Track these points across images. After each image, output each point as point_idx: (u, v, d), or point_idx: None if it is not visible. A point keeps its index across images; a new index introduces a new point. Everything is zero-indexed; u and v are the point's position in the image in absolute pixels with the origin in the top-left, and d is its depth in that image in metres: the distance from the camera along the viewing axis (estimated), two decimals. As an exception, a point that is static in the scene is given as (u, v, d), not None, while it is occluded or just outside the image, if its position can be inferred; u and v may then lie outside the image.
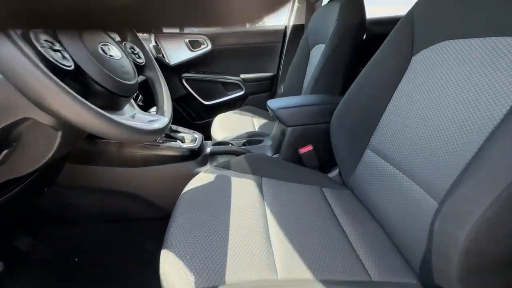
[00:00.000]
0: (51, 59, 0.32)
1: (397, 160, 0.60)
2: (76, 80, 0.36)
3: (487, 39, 0.47)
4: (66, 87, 0.29)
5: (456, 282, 0.37)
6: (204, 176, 0.67)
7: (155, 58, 1.40)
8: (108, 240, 0.84)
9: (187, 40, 1.49)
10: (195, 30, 1.53)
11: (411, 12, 0.65)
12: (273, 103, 0.84)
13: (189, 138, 0.89)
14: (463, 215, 0.36)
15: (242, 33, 1.55)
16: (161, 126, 0.44)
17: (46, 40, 0.33)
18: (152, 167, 0.78)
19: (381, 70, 0.68)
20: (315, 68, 1.00)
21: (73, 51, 0.35)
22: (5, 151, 0.36)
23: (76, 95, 0.30)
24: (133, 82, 0.45)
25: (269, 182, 0.69)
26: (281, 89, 1.56)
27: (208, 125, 1.27)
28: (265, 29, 1.57)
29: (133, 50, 0.53)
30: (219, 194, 0.60)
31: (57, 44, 0.34)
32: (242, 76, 1.57)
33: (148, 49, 1.31)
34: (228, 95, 1.61)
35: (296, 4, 1.43)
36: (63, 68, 0.33)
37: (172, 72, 1.53)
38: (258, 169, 0.72)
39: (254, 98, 1.63)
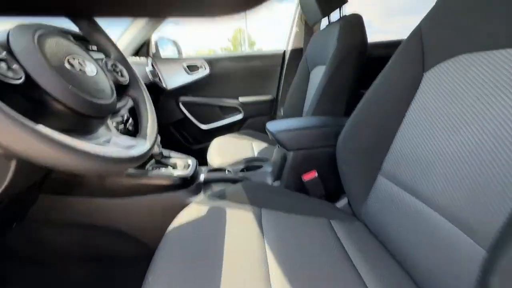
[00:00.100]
0: None
1: (419, 189, 0.52)
2: (27, 96, 0.29)
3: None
4: (2, 106, 0.23)
5: None
6: (195, 208, 0.59)
7: (151, 82, 1.39)
8: (86, 283, 0.73)
9: (185, 65, 1.47)
10: (194, 54, 1.53)
11: (418, 28, 0.61)
12: (273, 126, 0.78)
13: (181, 164, 0.81)
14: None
15: (240, 57, 1.54)
16: (140, 153, 0.37)
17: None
18: (138, 197, 0.70)
19: (390, 89, 0.63)
20: (316, 90, 0.96)
21: (26, 60, 0.29)
22: None
23: (16, 115, 0.23)
24: (108, 101, 0.39)
25: (269, 214, 0.60)
26: (281, 111, 1.52)
27: (206, 150, 1.20)
28: (264, 54, 1.56)
29: (115, 67, 0.48)
30: (211, 229, 0.52)
31: (3, 53, 0.28)
32: (241, 99, 1.53)
33: (144, 72, 1.29)
34: (226, 118, 1.57)
35: (295, 28, 1.43)
36: (7, 82, 0.27)
37: (169, 96, 1.50)
38: (257, 199, 0.64)
39: (253, 121, 1.58)
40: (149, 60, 1.36)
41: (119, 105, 0.80)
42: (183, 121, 1.53)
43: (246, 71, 1.52)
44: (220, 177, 0.80)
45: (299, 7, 1.33)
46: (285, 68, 1.51)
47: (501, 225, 0.34)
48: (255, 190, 0.68)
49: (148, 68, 1.31)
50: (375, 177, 0.63)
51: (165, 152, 0.87)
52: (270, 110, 1.59)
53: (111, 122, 0.46)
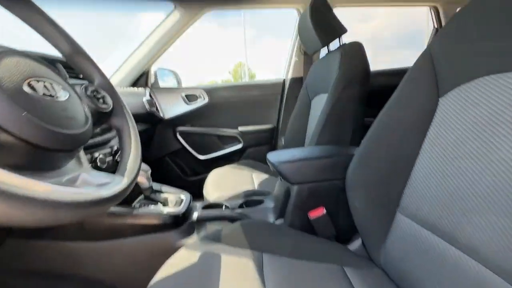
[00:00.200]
0: None
1: (447, 230, 0.43)
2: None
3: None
4: None
5: None
6: (185, 253, 0.50)
7: (148, 112, 1.35)
8: None
9: (183, 94, 1.45)
10: (193, 84, 1.52)
11: (427, 52, 0.57)
12: (274, 156, 0.71)
13: (173, 200, 0.73)
14: None
15: (239, 87, 1.53)
16: (111, 193, 0.30)
17: None
18: (121, 240, 0.61)
19: (402, 117, 0.57)
20: (319, 118, 0.91)
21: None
22: None
23: None
24: (79, 131, 0.32)
25: (271, 259, 0.51)
26: (281, 141, 1.46)
27: (203, 181, 1.13)
28: (263, 83, 1.55)
29: (95, 93, 0.42)
30: (203, 280, 0.43)
31: None
32: (240, 128, 1.49)
33: (141, 102, 1.25)
34: (225, 148, 1.51)
35: (294, 58, 1.43)
36: None
37: (166, 126, 1.46)
38: (258, 241, 0.55)
39: (253, 151, 1.52)
40: (147, 90, 1.34)
41: (108, 135, 0.74)
42: (180, 151, 1.47)
43: (246, 100, 1.50)
44: (215, 215, 0.71)
45: (298, 37, 1.34)
46: (285, 97, 1.49)
47: None
48: (255, 230, 0.59)
49: (145, 98, 1.28)
50: (393, 214, 0.55)
51: (156, 186, 0.79)
52: (270, 140, 1.54)
53: (84, 155, 0.40)
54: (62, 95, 0.33)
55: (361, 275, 0.53)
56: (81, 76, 0.70)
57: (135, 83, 1.36)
